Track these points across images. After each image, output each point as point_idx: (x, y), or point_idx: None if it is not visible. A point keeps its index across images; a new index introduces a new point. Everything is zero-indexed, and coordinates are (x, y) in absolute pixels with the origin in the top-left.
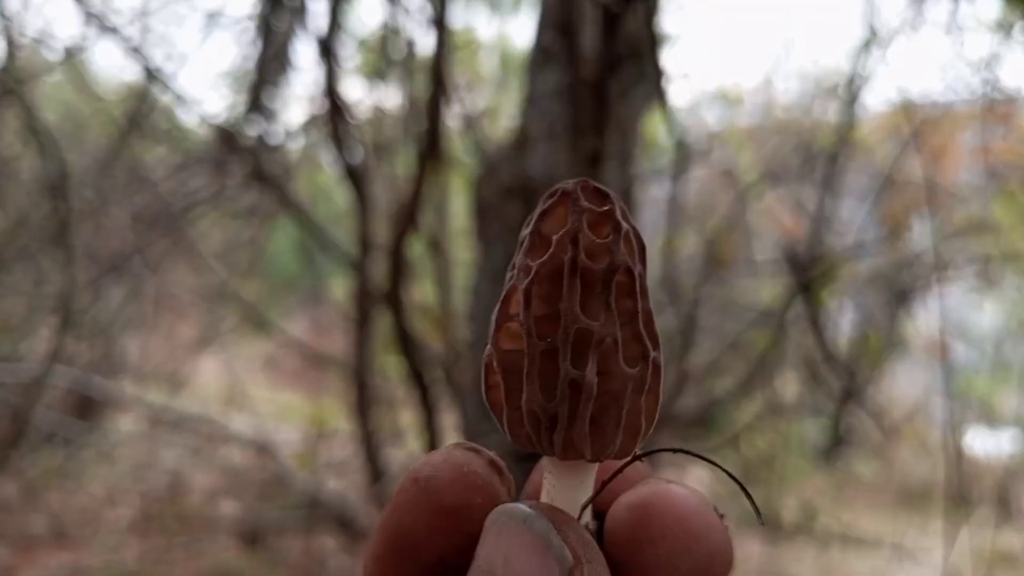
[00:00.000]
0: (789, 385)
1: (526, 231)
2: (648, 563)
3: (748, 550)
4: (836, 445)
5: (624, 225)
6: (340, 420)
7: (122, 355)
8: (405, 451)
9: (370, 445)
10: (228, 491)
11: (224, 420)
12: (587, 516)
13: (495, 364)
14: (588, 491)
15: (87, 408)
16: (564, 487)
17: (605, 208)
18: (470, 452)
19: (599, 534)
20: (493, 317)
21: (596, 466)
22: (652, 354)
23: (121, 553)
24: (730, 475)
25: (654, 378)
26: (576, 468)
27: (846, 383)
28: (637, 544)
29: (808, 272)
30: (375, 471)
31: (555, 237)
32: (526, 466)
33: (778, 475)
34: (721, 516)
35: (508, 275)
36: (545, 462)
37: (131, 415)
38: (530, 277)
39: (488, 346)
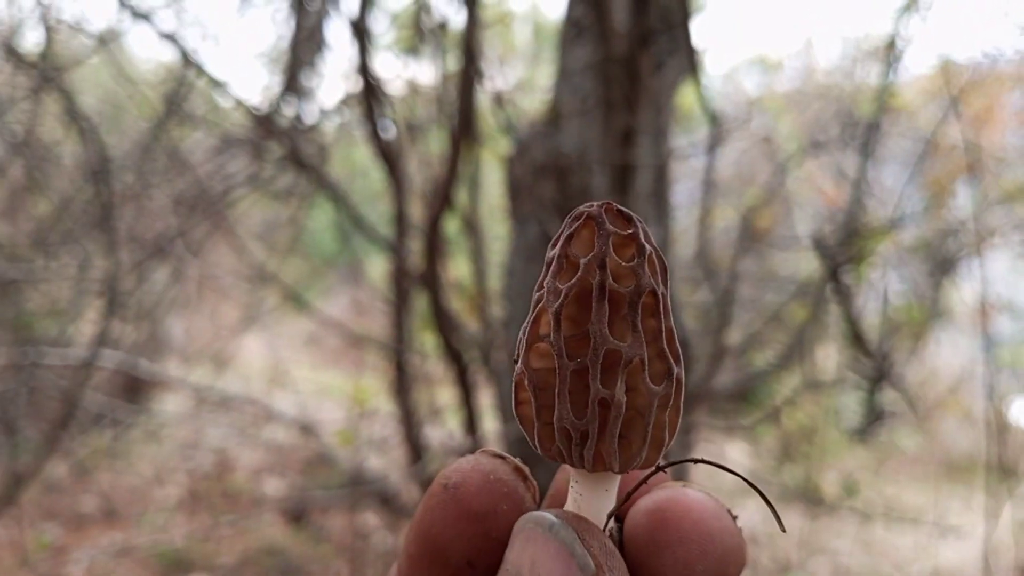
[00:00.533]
0: (830, 358)
1: (553, 252)
2: (666, 565)
3: (789, 524)
4: (872, 422)
5: (647, 247)
6: (381, 398)
7: (167, 336)
8: (444, 429)
9: (409, 423)
10: (273, 469)
11: (268, 399)
12: (610, 523)
13: (526, 382)
14: (612, 499)
15: (134, 389)
16: (590, 496)
17: (629, 231)
18: (496, 459)
19: (620, 538)
20: (522, 337)
21: (620, 475)
22: (675, 371)
23: (169, 531)
24: (748, 482)
25: (677, 393)
26: (602, 479)
27: (879, 364)
28: (656, 547)
29: (837, 256)
30: (415, 449)
31: (583, 261)
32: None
33: (819, 449)
34: (734, 518)
35: (536, 295)
36: (572, 471)
37: (177, 396)
38: (559, 300)
39: (518, 364)
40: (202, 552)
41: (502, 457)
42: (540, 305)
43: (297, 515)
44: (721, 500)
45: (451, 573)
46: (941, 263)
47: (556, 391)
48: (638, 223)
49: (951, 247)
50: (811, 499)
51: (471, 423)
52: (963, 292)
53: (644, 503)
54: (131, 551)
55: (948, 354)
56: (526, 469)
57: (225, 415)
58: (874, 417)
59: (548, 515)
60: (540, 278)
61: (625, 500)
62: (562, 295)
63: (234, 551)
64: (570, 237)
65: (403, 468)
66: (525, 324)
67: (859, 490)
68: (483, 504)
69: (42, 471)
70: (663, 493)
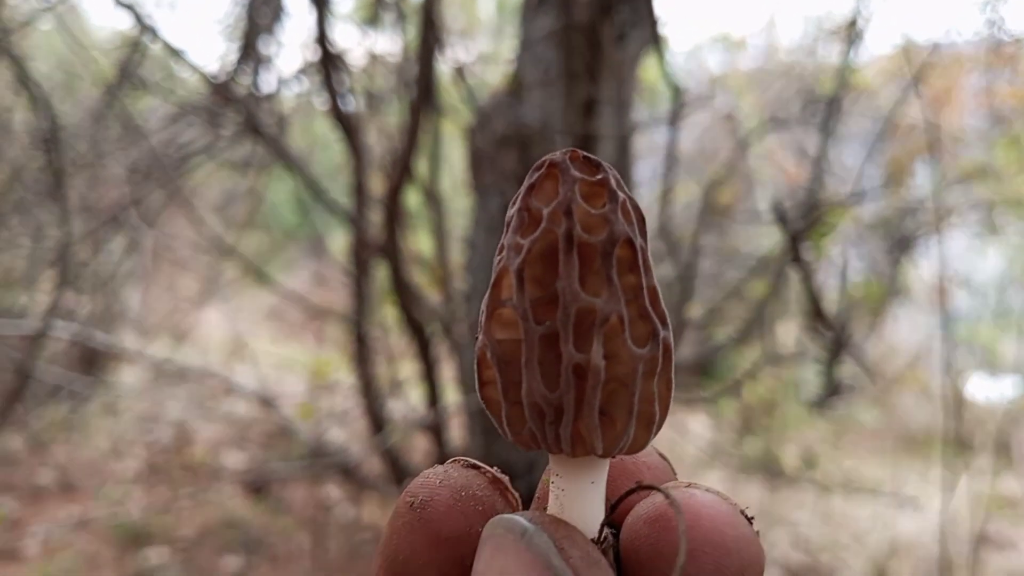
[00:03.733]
0: (790, 332)
1: (513, 209)
2: None
3: (748, 496)
4: (830, 395)
5: (620, 195)
6: (342, 371)
7: (124, 308)
8: (406, 402)
9: (370, 396)
10: (233, 442)
11: (228, 372)
12: (604, 530)
13: (488, 356)
14: (600, 493)
15: (91, 362)
16: (574, 491)
17: (598, 177)
18: (470, 470)
19: (616, 546)
20: (483, 305)
21: (607, 463)
22: (662, 333)
23: (127, 504)
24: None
25: (666, 360)
26: (586, 466)
27: (837, 336)
28: (661, 560)
29: (796, 225)
30: (376, 421)
31: (546, 211)
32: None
33: (779, 422)
34: (750, 520)
35: (496, 259)
36: (552, 464)
37: (135, 368)
38: (522, 256)
39: (480, 337)
40: (161, 525)
41: (476, 467)
42: (501, 266)
43: (257, 487)
44: (734, 501)
45: None
46: (900, 241)
47: (523, 361)
48: (608, 169)
49: (910, 225)
50: (771, 471)
51: (433, 396)
52: (921, 270)
53: (644, 508)
54: (89, 524)
55: (906, 330)
56: (505, 479)
57: (184, 388)
58: (832, 389)
59: (520, 519)
60: (500, 240)
61: (615, 507)
62: (524, 251)
63: (193, 524)
64: (531, 188)
65: (364, 440)
66: (486, 294)
67: (818, 462)
68: (454, 526)
69: None
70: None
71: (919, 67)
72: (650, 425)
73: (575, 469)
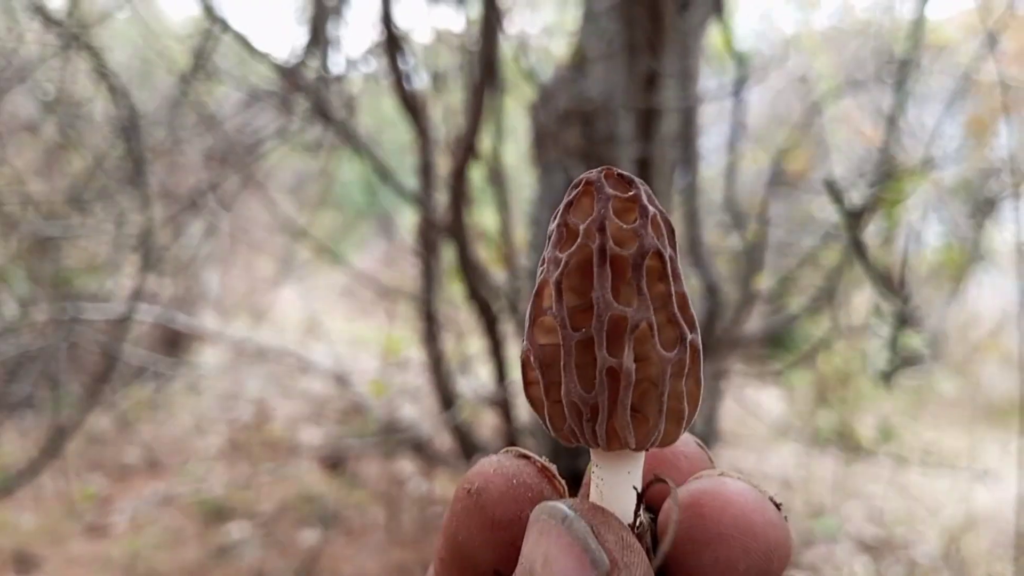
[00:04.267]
0: (865, 301)
1: (553, 224)
2: (705, 565)
3: (823, 468)
4: (897, 367)
5: (651, 209)
6: (413, 348)
7: (204, 290)
8: (474, 378)
9: (439, 373)
10: (309, 419)
11: (304, 351)
12: (642, 515)
13: (532, 360)
14: (637, 481)
15: (174, 343)
16: (612, 481)
17: (630, 194)
18: (521, 460)
19: (654, 529)
20: (527, 313)
21: (643, 455)
22: (689, 336)
23: (210, 480)
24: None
25: (693, 361)
26: (622, 459)
27: (901, 308)
28: (692, 545)
29: (853, 203)
30: (446, 398)
31: (582, 227)
32: None
33: (854, 393)
34: (778, 506)
35: (539, 270)
36: (592, 456)
37: (216, 348)
38: (560, 269)
39: (524, 343)
40: (242, 499)
41: (527, 457)
42: (542, 278)
43: (334, 463)
44: (763, 489)
45: None
46: (982, 204)
47: (562, 364)
48: (640, 186)
49: (993, 187)
50: (846, 444)
51: (500, 372)
52: (1006, 233)
53: (678, 495)
54: (174, 500)
55: (990, 297)
56: (553, 468)
57: (263, 366)
58: (899, 362)
59: (562, 506)
60: (542, 252)
61: (641, 496)
62: (562, 264)
63: (273, 498)
64: (569, 206)
65: (435, 416)
66: (529, 303)
67: (896, 434)
68: (507, 511)
69: (85, 424)
70: (699, 484)
71: (996, 22)
72: (680, 421)
73: (612, 461)
